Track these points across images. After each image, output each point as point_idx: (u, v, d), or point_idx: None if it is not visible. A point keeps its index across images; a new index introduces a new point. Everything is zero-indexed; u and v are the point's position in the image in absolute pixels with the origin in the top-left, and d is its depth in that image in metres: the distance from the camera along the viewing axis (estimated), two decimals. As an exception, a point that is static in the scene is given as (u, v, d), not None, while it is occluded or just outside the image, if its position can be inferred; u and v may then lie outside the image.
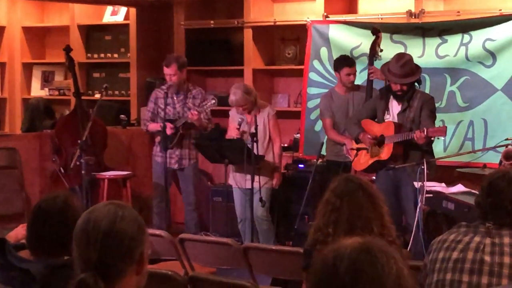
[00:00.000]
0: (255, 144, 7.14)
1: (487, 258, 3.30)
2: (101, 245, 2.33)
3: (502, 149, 6.73)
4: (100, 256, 2.32)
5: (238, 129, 7.45)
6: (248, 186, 7.38)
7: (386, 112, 6.95)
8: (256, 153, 7.16)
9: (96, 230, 2.34)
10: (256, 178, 7.26)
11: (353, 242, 1.95)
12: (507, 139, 6.57)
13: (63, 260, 2.91)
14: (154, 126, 8.00)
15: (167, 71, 7.85)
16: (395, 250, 1.98)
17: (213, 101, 7.75)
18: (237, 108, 7.53)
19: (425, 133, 6.44)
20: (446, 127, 6.59)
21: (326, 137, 7.80)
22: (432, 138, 6.67)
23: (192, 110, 7.74)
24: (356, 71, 7.61)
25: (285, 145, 8.94)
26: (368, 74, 7.44)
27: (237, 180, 7.60)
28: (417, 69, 6.85)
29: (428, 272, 3.46)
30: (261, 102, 7.72)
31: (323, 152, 7.59)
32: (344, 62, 7.63)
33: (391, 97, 6.93)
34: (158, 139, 8.01)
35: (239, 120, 7.48)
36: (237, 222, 7.73)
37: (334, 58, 8.05)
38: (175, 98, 7.94)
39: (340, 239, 2.00)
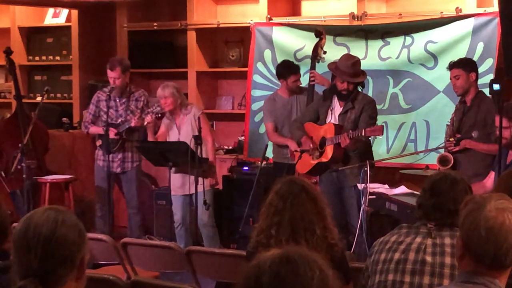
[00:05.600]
0: (199, 147, 7.10)
1: (428, 258, 3.33)
2: (42, 251, 2.29)
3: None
4: (41, 263, 2.28)
5: (151, 114, 7.49)
6: (187, 192, 7.36)
7: (330, 113, 6.98)
8: (200, 155, 7.12)
9: (37, 236, 2.30)
10: (199, 181, 7.24)
11: (272, 254, 1.95)
12: (448, 140, 6.63)
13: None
14: (95, 130, 7.93)
15: (111, 74, 7.79)
16: (317, 254, 1.98)
17: (158, 108, 7.71)
18: (163, 101, 7.49)
19: (363, 133, 6.48)
20: (382, 126, 6.62)
21: (270, 139, 7.82)
22: (370, 138, 6.73)
23: (135, 118, 7.68)
24: (301, 75, 7.61)
25: (230, 147, 8.94)
26: (310, 79, 7.45)
27: (175, 188, 7.51)
28: (363, 71, 6.96)
29: (370, 274, 3.47)
30: (185, 103, 7.68)
31: (269, 154, 7.57)
32: (290, 70, 7.59)
33: (335, 98, 6.98)
34: (99, 142, 7.93)
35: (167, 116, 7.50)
36: (175, 227, 7.57)
37: (278, 60, 8.07)
38: (117, 101, 7.87)
39: (281, 243, 1.99)
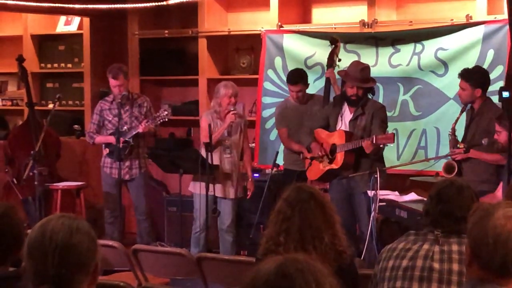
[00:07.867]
0: (209, 154, 7.11)
1: (436, 265, 3.34)
2: (59, 258, 2.31)
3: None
4: (57, 270, 2.30)
5: (235, 113, 7.35)
6: (228, 195, 7.43)
7: (340, 119, 6.99)
8: (210, 162, 7.13)
9: (54, 244, 2.32)
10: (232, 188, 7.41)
11: (268, 267, 1.94)
12: (458, 146, 6.63)
13: (8, 272, 2.87)
14: (102, 139, 7.95)
15: (115, 82, 7.79)
16: (319, 264, 1.97)
17: (166, 112, 7.72)
18: (227, 100, 7.37)
19: (374, 140, 6.49)
20: (394, 134, 6.62)
21: (282, 146, 7.83)
22: (382, 146, 6.73)
23: (143, 123, 7.68)
24: (300, 89, 7.57)
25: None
26: (325, 73, 7.49)
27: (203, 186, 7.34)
28: (372, 78, 6.99)
29: (378, 281, 3.48)
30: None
31: (279, 161, 7.59)
32: (288, 78, 7.67)
33: (345, 105, 6.99)
34: (106, 151, 7.95)
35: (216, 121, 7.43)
36: (194, 232, 7.51)
37: (289, 67, 8.09)
38: (121, 108, 7.87)
39: (290, 250, 1.98)
